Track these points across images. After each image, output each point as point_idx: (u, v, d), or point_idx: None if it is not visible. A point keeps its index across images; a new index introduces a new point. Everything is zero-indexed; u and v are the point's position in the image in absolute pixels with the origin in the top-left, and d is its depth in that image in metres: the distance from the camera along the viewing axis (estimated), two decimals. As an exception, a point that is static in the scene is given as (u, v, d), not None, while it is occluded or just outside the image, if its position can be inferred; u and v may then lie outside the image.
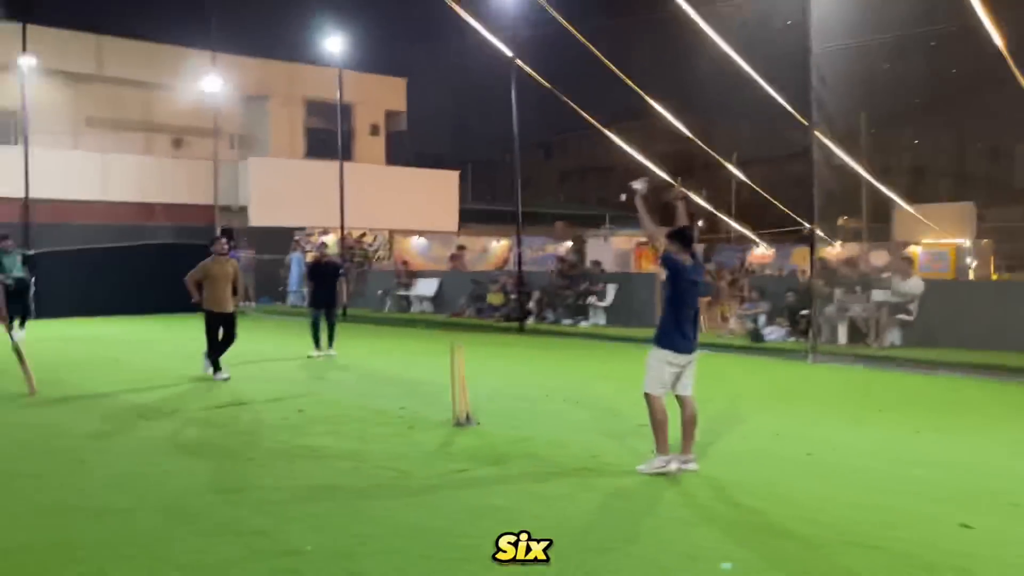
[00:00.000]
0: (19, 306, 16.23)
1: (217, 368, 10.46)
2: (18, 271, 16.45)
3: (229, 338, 10.59)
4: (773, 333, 13.92)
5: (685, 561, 4.35)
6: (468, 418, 7.74)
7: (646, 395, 6.14)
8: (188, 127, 26.45)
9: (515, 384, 10.26)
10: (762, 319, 14.32)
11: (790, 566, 4.31)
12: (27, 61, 21.83)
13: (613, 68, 20.32)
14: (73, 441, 7.05)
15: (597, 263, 20.12)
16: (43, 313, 20.47)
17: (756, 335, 13.70)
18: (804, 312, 13.42)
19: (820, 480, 5.90)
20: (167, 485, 5.71)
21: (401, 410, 8.46)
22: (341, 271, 13.48)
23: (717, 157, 26.36)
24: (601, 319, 17.24)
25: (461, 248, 26.59)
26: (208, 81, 24.18)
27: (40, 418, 8.09)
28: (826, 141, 14.85)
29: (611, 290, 17.36)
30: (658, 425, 6.08)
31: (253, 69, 26.91)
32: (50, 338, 15.86)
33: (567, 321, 17.56)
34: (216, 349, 10.55)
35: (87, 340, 15.65)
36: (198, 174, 25.21)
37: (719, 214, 30.35)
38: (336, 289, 13.01)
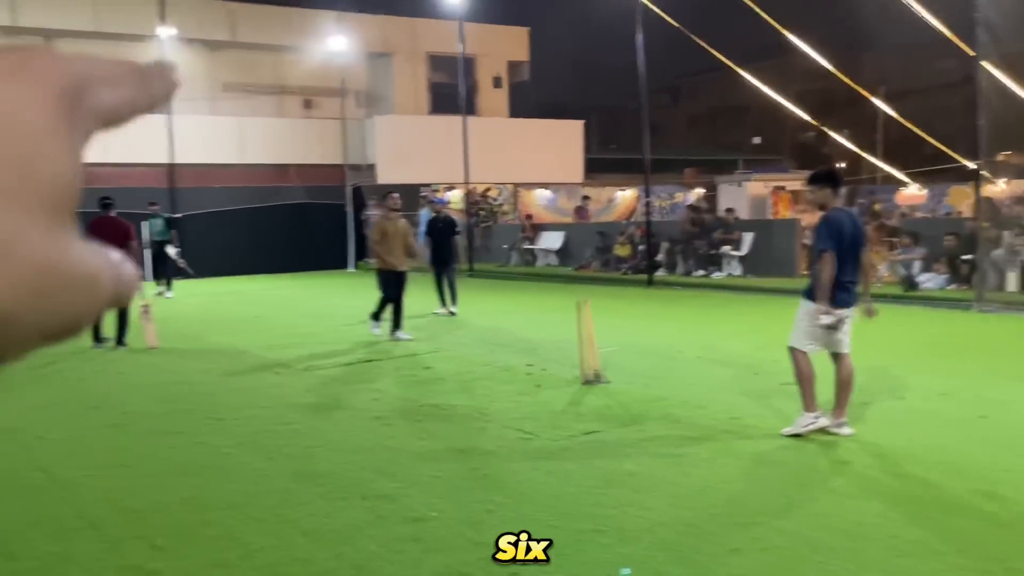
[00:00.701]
0: (165, 267, 17.29)
1: (378, 320, 10.20)
2: (162, 234, 17.45)
3: (398, 299, 10.13)
4: (930, 280, 12.77)
5: (844, 539, 3.87)
6: (597, 376, 7.41)
7: (791, 349, 5.61)
8: (317, 88, 26.97)
9: (645, 340, 9.83)
10: (916, 265, 13.16)
11: (975, 549, 3.75)
12: (166, 31, 22.76)
13: (749, 3, 19.06)
14: (213, 399, 7.22)
15: (730, 210, 19.16)
16: (190, 272, 21.65)
17: (910, 282, 12.61)
18: (967, 257, 12.21)
19: (998, 447, 5.22)
20: (297, 444, 5.71)
21: (528, 367, 8.23)
22: (458, 228, 13.33)
23: (862, 91, 24.44)
24: (736, 270, 16.42)
25: (585, 199, 26.02)
26: (334, 41, 24.51)
27: (184, 375, 8.37)
28: (991, 68, 13.32)
29: (747, 238, 16.46)
30: (805, 379, 5.55)
31: (376, 26, 27.03)
32: (197, 295, 16.68)
33: (699, 272, 16.84)
34: (385, 309, 10.19)
35: (229, 298, 16.34)
36: (327, 134, 25.75)
37: (864, 154, 28.32)
38: (453, 246, 12.86)
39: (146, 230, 17.97)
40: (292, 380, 7.97)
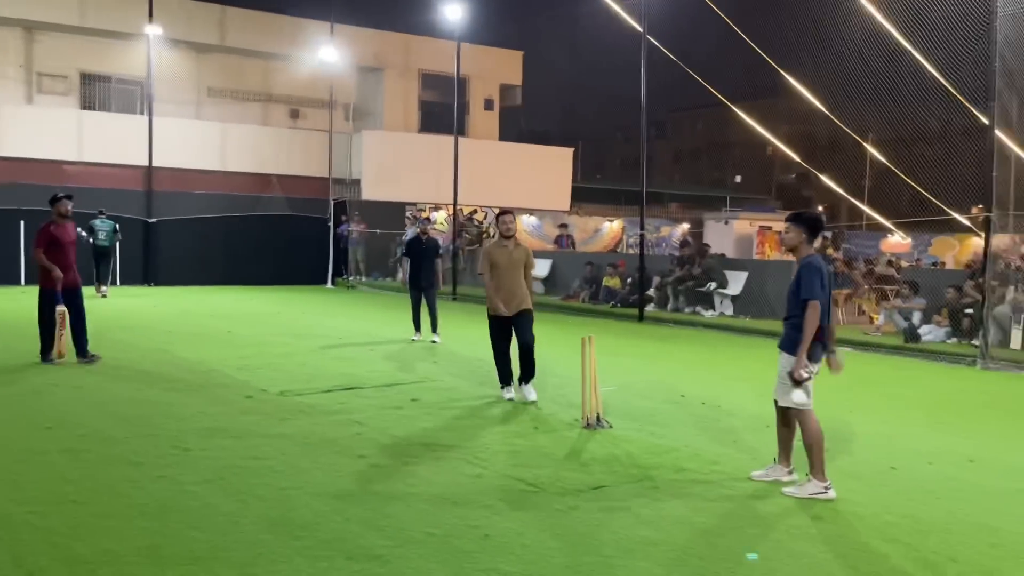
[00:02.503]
0: (107, 269, 18.03)
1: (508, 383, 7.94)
2: (106, 238, 17.86)
3: (528, 353, 7.67)
4: (930, 333, 12.42)
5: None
6: (599, 420, 6.88)
7: (789, 410, 5.26)
8: (305, 98, 26.45)
9: (643, 380, 9.31)
10: (917, 316, 12.82)
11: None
12: (153, 30, 22.11)
13: (750, 43, 18.94)
14: (179, 424, 6.57)
15: (706, 247, 18.75)
16: (160, 280, 20.88)
17: (912, 334, 12.24)
18: (969, 311, 11.88)
19: (1048, 528, 4.73)
20: (272, 484, 5.09)
21: (523, 404, 7.67)
22: (441, 250, 12.66)
23: (852, 134, 24.36)
24: (728, 309, 16.01)
25: (563, 227, 25.54)
26: (325, 52, 24.00)
27: (149, 394, 7.71)
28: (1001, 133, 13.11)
29: (740, 278, 16.07)
30: (818, 442, 5.19)
31: (369, 40, 26.61)
32: (167, 306, 15.93)
33: (688, 310, 16.41)
34: (509, 367, 7.88)
35: (201, 310, 15.61)
36: (313, 146, 25.15)
37: (851, 198, 28.26)
38: (436, 268, 12.06)
39: (97, 233, 17.92)
40: (266, 406, 7.34)
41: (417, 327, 12.12)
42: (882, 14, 16.04)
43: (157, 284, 20.82)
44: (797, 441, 5.36)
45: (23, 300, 16.46)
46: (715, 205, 38.69)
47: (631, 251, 26.36)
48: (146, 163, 21.90)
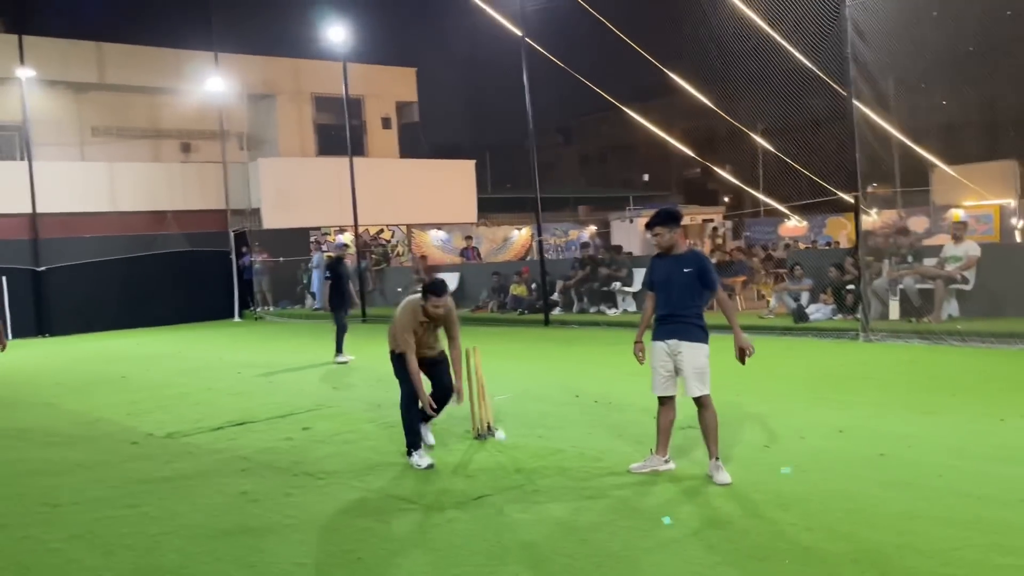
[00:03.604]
0: None
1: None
2: None
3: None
4: (818, 311, 12.94)
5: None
6: (490, 429, 6.93)
7: (707, 397, 5.44)
8: (195, 130, 25.82)
9: (542, 384, 9.42)
10: (805, 296, 13.33)
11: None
12: (26, 73, 21.27)
13: (628, 41, 19.38)
14: (52, 480, 6.33)
15: (618, 247, 19.15)
16: (55, 330, 20.05)
17: (800, 314, 12.73)
18: (850, 287, 12.43)
19: (902, 489, 5.00)
20: (144, 532, 4.96)
21: (417, 422, 7.65)
22: (328, 275, 12.79)
23: (741, 127, 25.22)
24: (632, 306, 16.33)
25: (468, 238, 25.67)
26: (212, 82, 23.51)
27: (21, 451, 7.40)
28: (860, 105, 13.79)
29: (637, 275, 16.42)
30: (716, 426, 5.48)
31: (258, 67, 26.20)
32: (60, 356, 15.30)
33: (593, 310, 16.67)
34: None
35: (96, 357, 15.05)
36: (208, 178, 24.58)
37: (747, 188, 29.20)
38: (351, 291, 12.64)
39: None
40: (151, 451, 7.14)
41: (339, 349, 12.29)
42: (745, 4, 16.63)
43: (52, 334, 19.97)
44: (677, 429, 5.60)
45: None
46: (620, 205, 39.44)
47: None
48: (30, 210, 21.02)
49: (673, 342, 5.44)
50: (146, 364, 13.53)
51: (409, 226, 27.49)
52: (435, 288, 6.32)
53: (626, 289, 16.52)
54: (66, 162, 23.35)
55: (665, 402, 5.59)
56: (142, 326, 20.80)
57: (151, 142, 25.56)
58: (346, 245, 14.14)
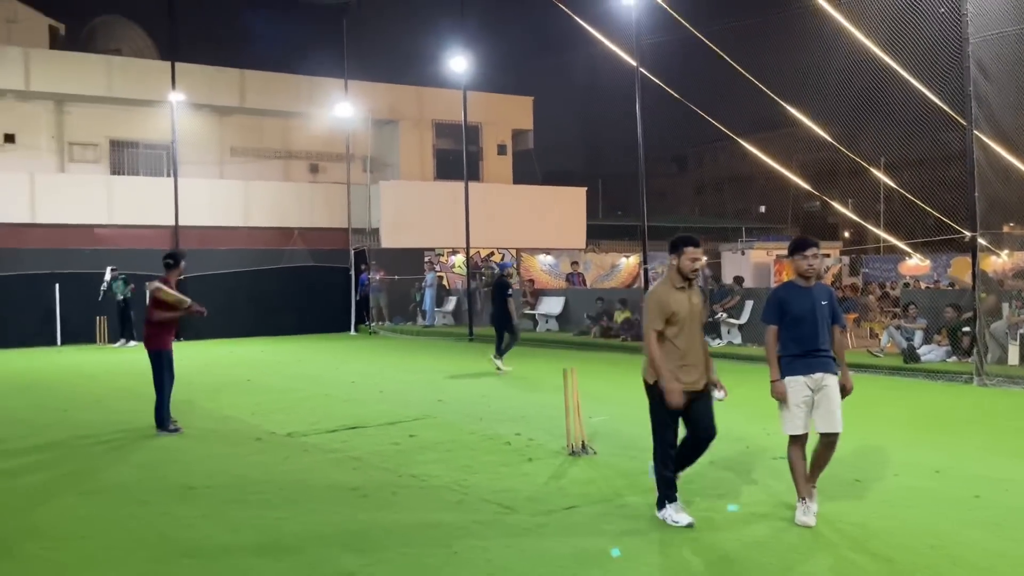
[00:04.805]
0: (128, 323, 19.73)
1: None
2: (123, 293, 19.69)
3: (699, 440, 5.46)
4: (930, 352, 12.57)
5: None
6: (584, 447, 7.23)
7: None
8: (323, 153, 27.36)
9: (638, 409, 9.60)
10: (918, 336, 12.98)
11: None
12: (176, 97, 23.20)
13: (744, 72, 19.38)
14: (188, 467, 7.05)
15: (739, 279, 19.05)
16: (189, 335, 21.62)
17: (911, 354, 12.41)
18: (967, 329, 12.04)
19: (991, 530, 4.99)
20: (266, 516, 5.53)
21: (516, 436, 8.06)
22: (509, 292, 13.70)
23: (862, 163, 24.60)
24: (736, 338, 16.25)
25: (574, 264, 26.04)
26: (341, 108, 24.93)
27: (162, 440, 8.21)
28: (987, 140, 13.39)
29: (747, 307, 16.33)
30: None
31: (384, 94, 27.54)
32: (193, 359, 16.56)
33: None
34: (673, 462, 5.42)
35: (225, 361, 16.22)
36: (333, 198, 26.00)
37: (867, 224, 28.35)
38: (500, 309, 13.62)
39: (115, 291, 19.90)
40: (273, 447, 7.80)
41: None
42: (868, 39, 16.40)
43: (186, 339, 21.53)
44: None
45: (59, 359, 17.25)
46: (733, 236, 38.90)
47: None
48: (173, 223, 22.81)
49: (819, 375, 5.17)
50: (269, 370, 14.51)
51: (518, 250, 28.10)
52: (686, 240, 5.26)
53: (732, 320, 16.45)
54: (206, 179, 25.18)
55: (800, 441, 5.25)
56: (266, 335, 22.16)
57: (283, 163, 27.23)
58: (510, 265, 15.05)
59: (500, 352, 13.50)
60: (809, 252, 5.22)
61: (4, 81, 22.10)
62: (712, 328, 16.66)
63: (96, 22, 28.24)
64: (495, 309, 13.78)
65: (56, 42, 25.59)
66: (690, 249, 5.23)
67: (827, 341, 5.24)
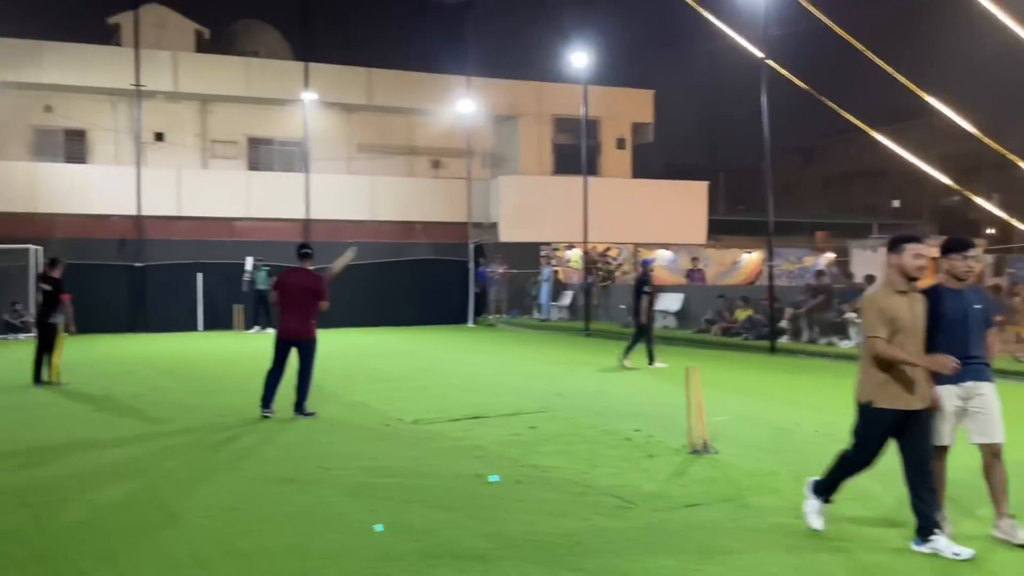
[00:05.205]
0: (266, 312, 20.44)
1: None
2: (264, 283, 20.23)
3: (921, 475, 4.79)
4: (1083, 359, 11.73)
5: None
6: (705, 446, 7.21)
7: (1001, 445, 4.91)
8: (445, 148, 28.02)
9: (762, 410, 9.48)
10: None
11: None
12: (309, 96, 24.32)
13: (878, 61, 18.54)
14: (325, 448, 7.48)
15: (871, 278, 18.31)
16: (320, 323, 22.67)
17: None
18: None
19: None
20: (398, 498, 5.82)
21: (635, 432, 8.11)
22: (646, 289, 13.60)
23: (1010, 156, 23.08)
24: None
25: (695, 260, 25.65)
26: (463, 104, 25.48)
27: (298, 423, 8.73)
28: None
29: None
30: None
31: (504, 90, 27.93)
32: (323, 347, 17.36)
33: (823, 340, 16.15)
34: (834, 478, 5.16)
35: (351, 350, 16.94)
36: (453, 193, 26.62)
37: (1014, 221, 26.57)
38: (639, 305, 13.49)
39: (256, 280, 20.94)
40: (401, 433, 8.16)
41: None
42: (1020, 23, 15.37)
43: (317, 327, 22.60)
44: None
45: (201, 344, 18.48)
46: (863, 232, 37.25)
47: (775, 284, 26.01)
48: (304, 216, 23.95)
49: (971, 384, 4.84)
50: (393, 359, 15.08)
51: (636, 245, 27.93)
52: (908, 236, 4.77)
53: (860, 321, 15.84)
54: (335, 175, 26.29)
55: (944, 454, 4.98)
56: (388, 325, 22.98)
57: (406, 158, 28.07)
58: (652, 262, 15.02)
59: (629, 349, 13.49)
60: (970, 253, 4.86)
61: (155, 83, 23.75)
62: (839, 328, 16.10)
63: (237, 25, 29.91)
64: (634, 305, 13.84)
65: (201, 45, 27.25)
66: (912, 246, 4.70)
67: (980, 347, 4.90)
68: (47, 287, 11.77)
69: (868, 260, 29.02)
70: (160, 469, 6.74)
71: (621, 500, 5.73)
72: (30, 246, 20.56)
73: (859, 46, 18.33)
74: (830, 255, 30.90)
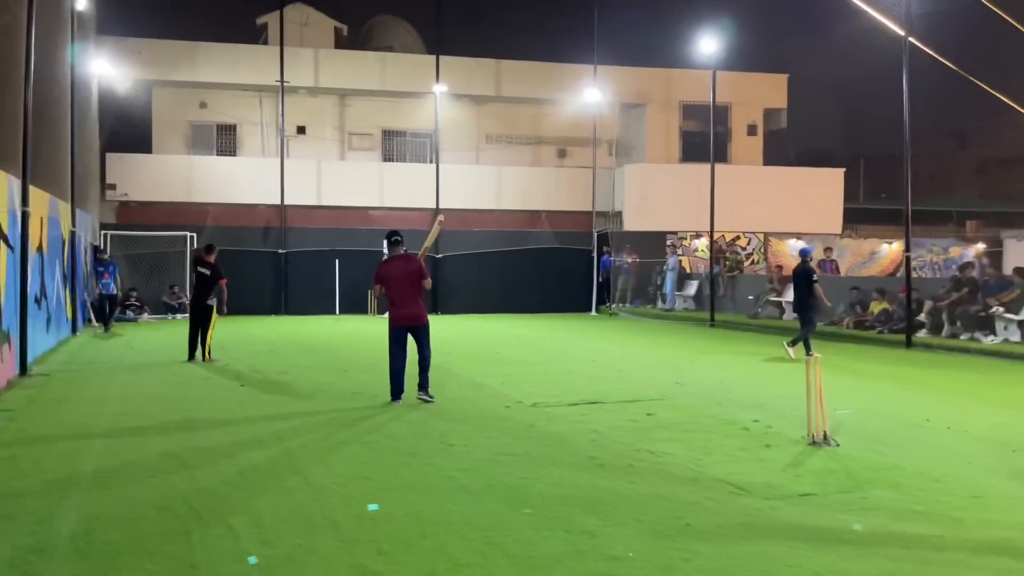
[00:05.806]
0: None
1: None
2: None
3: None
4: None
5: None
6: (825, 438, 7.09)
7: None
8: (571, 138, 28.15)
9: (890, 404, 9.17)
10: None
11: None
12: (440, 88, 25.04)
13: (1036, 38, 17.24)
14: (448, 426, 7.86)
15: (1021, 270, 17.12)
16: (447, 308, 23.47)
17: None
18: None
19: None
20: (514, 474, 6.08)
21: (754, 422, 8.05)
22: (814, 278, 13.48)
23: None
24: (1015, 335, 14.69)
25: (828, 250, 24.63)
26: (589, 93, 25.52)
27: (423, 407, 9.17)
28: None
29: (1027, 301, 14.69)
30: None
31: (631, 78, 27.74)
32: (449, 331, 18.00)
33: (965, 336, 15.27)
34: None
35: (476, 334, 17.46)
36: (578, 182, 26.75)
37: None
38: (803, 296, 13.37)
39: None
40: (520, 414, 8.44)
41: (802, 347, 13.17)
42: None
43: (443, 313, 23.37)
44: None
45: (338, 327, 19.50)
46: (1020, 222, 34.66)
47: (916, 275, 24.70)
48: (435, 205, 24.73)
49: None
50: (515, 344, 15.44)
51: (766, 234, 27.17)
52: None
53: (1010, 316, 14.89)
54: (464, 165, 26.95)
55: None
56: (511, 312, 23.47)
57: (532, 148, 28.41)
58: (812, 251, 14.84)
59: (795, 341, 13.36)
60: None
61: (298, 79, 25.09)
62: (985, 323, 15.19)
63: (373, 21, 31.07)
64: (796, 296, 13.68)
65: (339, 42, 28.49)
66: None
67: None
68: (205, 271, 12.81)
69: (1021, 251, 27.05)
70: (299, 439, 7.30)
71: (733, 487, 5.78)
72: (186, 233, 22.34)
73: (1012, 21, 17.13)
74: (980, 246, 29.00)
